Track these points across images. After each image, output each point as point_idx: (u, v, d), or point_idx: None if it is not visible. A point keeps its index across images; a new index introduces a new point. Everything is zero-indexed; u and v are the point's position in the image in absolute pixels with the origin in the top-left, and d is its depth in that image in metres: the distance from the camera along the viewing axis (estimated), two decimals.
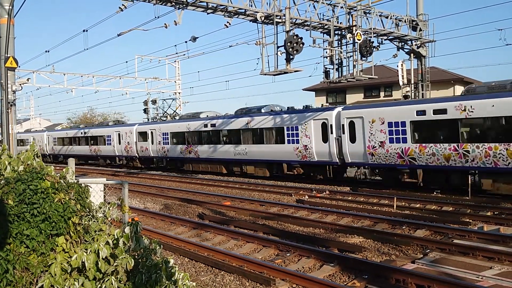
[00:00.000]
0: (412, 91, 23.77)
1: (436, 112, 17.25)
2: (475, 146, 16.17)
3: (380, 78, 26.14)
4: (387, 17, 21.41)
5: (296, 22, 18.95)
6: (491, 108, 15.71)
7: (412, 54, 23.48)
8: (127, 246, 4.73)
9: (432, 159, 17.43)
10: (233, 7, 17.72)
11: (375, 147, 19.30)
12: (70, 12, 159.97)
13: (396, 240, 10.46)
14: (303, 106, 24.31)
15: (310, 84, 52.92)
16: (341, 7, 19.62)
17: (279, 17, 17.83)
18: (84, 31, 22.61)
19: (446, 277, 7.80)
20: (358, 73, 19.59)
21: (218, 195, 19.12)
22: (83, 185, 5.14)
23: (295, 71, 18.12)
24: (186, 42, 35.30)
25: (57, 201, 4.64)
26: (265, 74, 18.21)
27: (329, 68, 19.57)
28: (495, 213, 13.65)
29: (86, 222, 4.86)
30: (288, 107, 25.28)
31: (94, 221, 4.90)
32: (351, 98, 41.85)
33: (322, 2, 19.15)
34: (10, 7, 12.08)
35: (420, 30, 22.83)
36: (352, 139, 20.18)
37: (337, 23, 19.71)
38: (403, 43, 23.06)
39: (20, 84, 13.86)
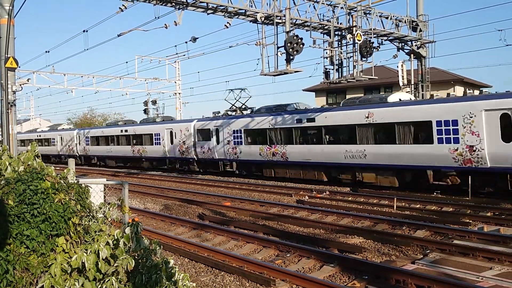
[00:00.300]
0: (412, 92, 23.79)
1: None
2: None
3: (380, 78, 26.10)
4: (387, 18, 21.44)
5: (296, 22, 18.96)
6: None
7: (412, 55, 23.51)
8: (127, 246, 4.73)
9: None
10: (233, 8, 17.74)
11: None
12: (70, 12, 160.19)
13: (396, 241, 10.48)
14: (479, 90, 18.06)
15: (310, 85, 52.93)
16: (341, 8, 19.63)
17: (279, 17, 17.84)
18: (84, 31, 22.68)
19: (446, 277, 7.81)
20: (358, 73, 19.56)
21: (218, 196, 19.12)
22: (83, 185, 5.14)
23: (295, 72, 18.10)
24: (186, 42, 35.17)
25: (57, 201, 4.64)
26: (265, 75, 18.20)
27: (329, 69, 19.54)
28: (495, 213, 13.67)
29: (86, 223, 4.86)
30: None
31: (94, 222, 4.90)
32: None
33: (322, 3, 19.17)
34: (10, 7, 12.11)
35: (420, 30, 22.85)
36: None
37: (337, 23, 19.71)
38: (403, 44, 23.09)
39: (20, 85, 13.91)
